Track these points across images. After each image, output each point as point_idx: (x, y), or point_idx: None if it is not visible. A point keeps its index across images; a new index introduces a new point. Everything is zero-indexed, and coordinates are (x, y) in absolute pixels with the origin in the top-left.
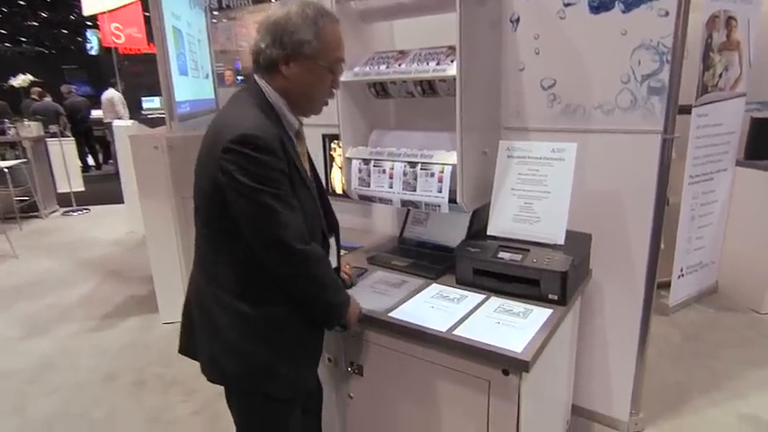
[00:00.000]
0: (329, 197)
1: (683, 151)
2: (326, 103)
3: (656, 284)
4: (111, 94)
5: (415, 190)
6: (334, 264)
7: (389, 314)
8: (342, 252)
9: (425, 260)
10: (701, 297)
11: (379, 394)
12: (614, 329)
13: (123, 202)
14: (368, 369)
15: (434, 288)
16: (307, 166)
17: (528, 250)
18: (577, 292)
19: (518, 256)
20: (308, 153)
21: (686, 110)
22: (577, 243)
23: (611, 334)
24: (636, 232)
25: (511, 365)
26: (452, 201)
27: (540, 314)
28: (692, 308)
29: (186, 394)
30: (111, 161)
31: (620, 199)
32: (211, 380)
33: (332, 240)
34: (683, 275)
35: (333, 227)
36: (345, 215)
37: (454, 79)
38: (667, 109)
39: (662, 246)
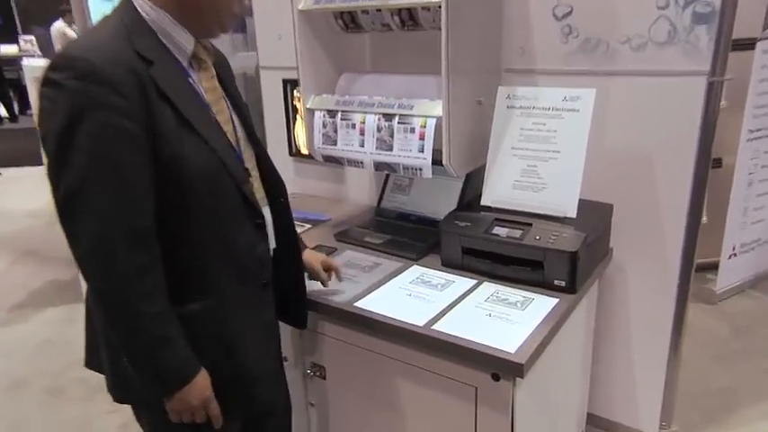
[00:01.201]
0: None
1: (740, 99)
2: (236, 17)
3: (694, 266)
4: (55, 26)
5: (391, 149)
6: (272, 244)
7: (354, 304)
8: (304, 227)
9: (406, 236)
10: (758, 282)
11: (345, 401)
12: (641, 322)
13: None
14: (331, 371)
15: (414, 271)
16: (223, 107)
17: (530, 225)
18: (593, 277)
19: (517, 232)
20: (225, 89)
21: (745, 44)
22: (593, 215)
23: (637, 327)
24: (670, 201)
25: (502, 369)
26: (438, 162)
27: (543, 304)
28: (746, 295)
29: (114, 403)
30: (30, 111)
31: (650, 160)
32: (118, 400)
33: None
34: (735, 255)
35: (275, 193)
36: (311, 180)
37: (439, 6)
38: (717, 42)
39: (704, 218)
